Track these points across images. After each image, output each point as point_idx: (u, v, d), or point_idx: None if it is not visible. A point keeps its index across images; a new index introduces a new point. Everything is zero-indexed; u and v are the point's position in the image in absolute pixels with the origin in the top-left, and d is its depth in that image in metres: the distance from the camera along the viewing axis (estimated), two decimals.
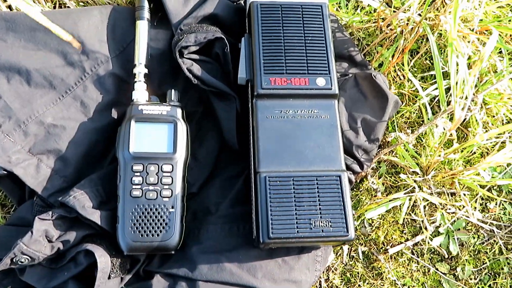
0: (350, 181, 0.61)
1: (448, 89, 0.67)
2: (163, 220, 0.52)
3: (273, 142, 0.50)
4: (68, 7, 0.64)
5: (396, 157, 0.66)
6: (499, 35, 0.70)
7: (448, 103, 0.66)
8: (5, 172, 0.55)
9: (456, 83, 0.55)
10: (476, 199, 0.66)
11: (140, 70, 0.58)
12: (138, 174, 0.53)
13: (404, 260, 0.64)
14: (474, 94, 0.64)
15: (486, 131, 0.67)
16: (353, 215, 0.53)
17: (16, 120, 0.56)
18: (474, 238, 0.65)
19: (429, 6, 0.61)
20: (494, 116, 0.68)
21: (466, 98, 0.58)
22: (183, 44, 0.56)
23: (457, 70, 0.54)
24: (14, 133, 0.56)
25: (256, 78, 0.52)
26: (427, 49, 0.70)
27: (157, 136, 0.54)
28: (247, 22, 0.58)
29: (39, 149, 0.57)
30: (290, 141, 0.51)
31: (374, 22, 0.69)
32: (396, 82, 0.70)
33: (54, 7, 0.65)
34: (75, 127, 0.58)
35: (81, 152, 0.58)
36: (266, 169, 0.49)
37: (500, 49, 0.70)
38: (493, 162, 0.57)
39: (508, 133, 0.66)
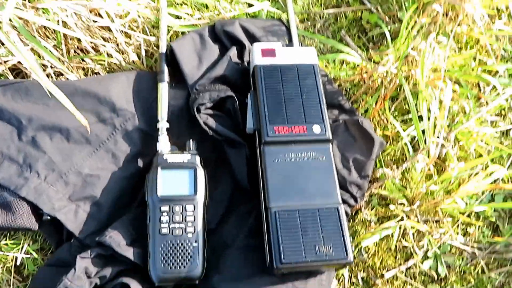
0: (346, 213, 0.70)
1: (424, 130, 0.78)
2: (188, 254, 0.60)
3: (280, 182, 0.60)
4: (98, 73, 0.75)
5: (385, 190, 0.75)
6: (466, 81, 0.82)
7: (426, 142, 0.76)
8: (49, 218, 0.64)
9: (429, 126, 0.65)
10: (458, 225, 0.75)
11: (163, 125, 0.68)
12: (166, 214, 0.61)
13: (399, 283, 0.72)
14: (447, 133, 0.75)
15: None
16: (351, 241, 0.62)
17: (58, 172, 0.65)
18: (459, 260, 0.73)
19: (402, 61, 0.73)
20: (466, 151, 0.78)
21: (438, 137, 0.68)
22: (200, 101, 0.66)
23: (428, 116, 0.65)
24: (57, 183, 0.65)
25: (262, 127, 0.63)
26: (405, 95, 0.81)
27: (180, 181, 0.64)
28: (252, 81, 0.69)
29: (77, 196, 0.65)
30: (294, 180, 0.60)
31: (358, 75, 0.81)
32: (380, 125, 0.81)
33: (85, 74, 0.76)
34: (108, 176, 0.67)
35: (112, 198, 0.67)
36: (275, 205, 0.59)
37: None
38: (465, 191, 0.67)
39: (480, 165, 0.77)
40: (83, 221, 0.65)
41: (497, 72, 0.81)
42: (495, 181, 0.74)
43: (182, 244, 0.60)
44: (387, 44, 0.83)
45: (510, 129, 0.80)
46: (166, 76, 0.71)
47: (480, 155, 0.78)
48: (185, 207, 0.62)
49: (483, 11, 0.69)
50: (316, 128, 0.63)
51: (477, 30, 0.79)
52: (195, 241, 0.61)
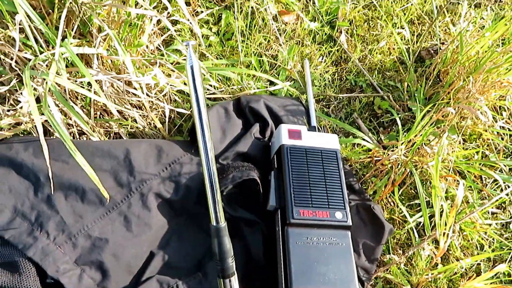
0: None
1: (430, 216, 0.80)
2: None
3: (302, 264, 0.60)
4: (120, 135, 0.75)
5: (391, 274, 0.76)
6: (469, 172, 0.86)
7: (431, 229, 0.78)
8: (52, 281, 0.61)
9: (441, 223, 0.67)
10: None
11: None
12: None
13: None
14: (453, 224, 0.78)
15: (464, 253, 0.80)
16: None
17: (68, 233, 0.63)
18: None
19: (413, 152, 0.77)
20: (469, 241, 0.81)
21: (445, 227, 0.70)
22: (224, 182, 0.67)
23: (441, 210, 0.67)
24: (65, 245, 0.62)
25: (288, 208, 0.63)
26: (411, 181, 0.84)
27: None
28: (277, 160, 0.70)
29: (84, 260, 0.63)
30: (316, 264, 0.60)
31: (369, 157, 0.84)
32: (387, 208, 0.83)
33: (107, 135, 0.75)
34: (117, 240, 0.65)
35: (120, 265, 0.64)
36: (298, 287, 0.58)
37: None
38: (472, 286, 0.69)
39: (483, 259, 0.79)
40: None
41: (498, 166, 0.86)
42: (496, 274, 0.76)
43: None
44: (397, 130, 0.87)
45: (510, 222, 0.84)
46: None
47: (483, 246, 0.80)
48: None
49: (489, 112, 0.74)
50: (338, 215, 0.64)
51: (481, 126, 0.85)
52: None
